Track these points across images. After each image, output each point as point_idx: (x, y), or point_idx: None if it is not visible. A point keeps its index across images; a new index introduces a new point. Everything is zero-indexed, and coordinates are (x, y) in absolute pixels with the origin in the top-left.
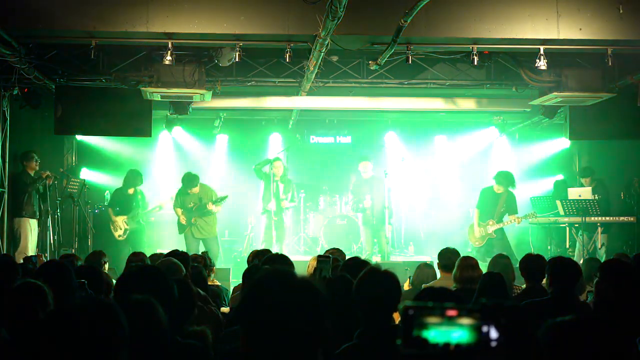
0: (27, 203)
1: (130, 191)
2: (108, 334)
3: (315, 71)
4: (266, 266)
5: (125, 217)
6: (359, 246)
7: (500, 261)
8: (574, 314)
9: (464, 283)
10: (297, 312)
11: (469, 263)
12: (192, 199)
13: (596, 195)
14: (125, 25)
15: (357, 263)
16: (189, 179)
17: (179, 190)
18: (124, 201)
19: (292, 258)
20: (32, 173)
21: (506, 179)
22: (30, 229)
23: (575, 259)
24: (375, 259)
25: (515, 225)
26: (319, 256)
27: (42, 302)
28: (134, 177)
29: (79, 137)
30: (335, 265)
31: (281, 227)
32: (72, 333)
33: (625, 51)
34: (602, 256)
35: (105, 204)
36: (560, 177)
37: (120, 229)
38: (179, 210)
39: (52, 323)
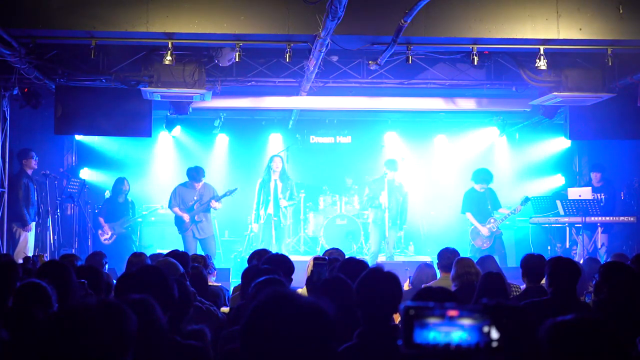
0: (24, 210)
1: (121, 199)
2: (116, 334)
3: (315, 71)
4: (266, 266)
5: (113, 224)
6: (359, 246)
7: (488, 263)
8: (575, 314)
9: (462, 283)
10: (303, 341)
11: (466, 263)
12: (194, 195)
13: (602, 195)
14: (125, 25)
15: (354, 263)
16: (196, 172)
17: (177, 188)
18: (113, 209)
19: (292, 258)
20: (30, 172)
21: (484, 175)
22: (29, 229)
23: (575, 259)
24: (381, 259)
25: (516, 213)
26: (315, 258)
27: (46, 302)
28: (121, 184)
29: (79, 137)
30: (335, 265)
31: (280, 227)
32: (81, 333)
33: (625, 51)
34: (602, 256)
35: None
36: (561, 178)
37: (107, 234)
38: (178, 210)
39: (61, 322)
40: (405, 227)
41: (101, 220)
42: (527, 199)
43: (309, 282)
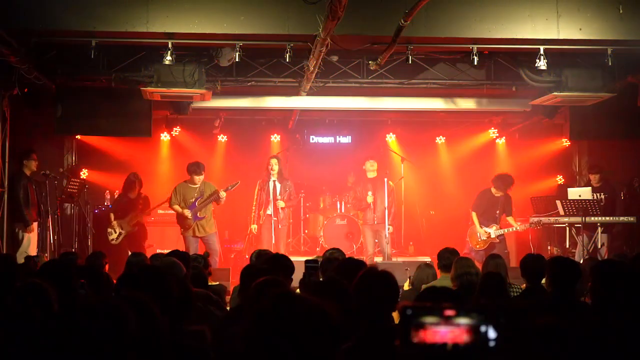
0: (25, 210)
1: (132, 195)
2: (116, 334)
3: (315, 71)
4: (265, 266)
5: (121, 220)
6: (359, 246)
7: (493, 262)
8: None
9: (462, 283)
10: (308, 343)
11: (466, 263)
12: (194, 192)
13: (602, 194)
14: (125, 25)
15: (353, 264)
16: (197, 166)
17: (177, 186)
18: (123, 205)
19: (292, 258)
20: (29, 173)
21: (504, 183)
22: (31, 230)
23: (575, 259)
24: (376, 259)
25: (518, 230)
26: (307, 261)
27: (46, 302)
28: (132, 182)
29: (79, 137)
30: (335, 265)
31: (279, 228)
32: (81, 333)
33: (625, 51)
34: (603, 256)
35: (106, 203)
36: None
37: (115, 233)
38: (179, 207)
39: (61, 323)
40: (404, 226)
41: (111, 216)
42: (536, 223)
43: (301, 284)
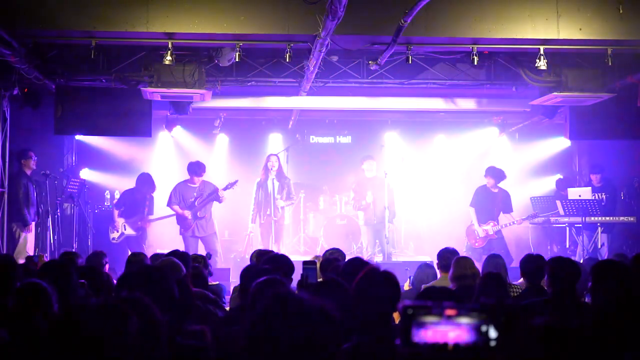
0: (25, 209)
1: (140, 195)
2: (116, 335)
3: (315, 71)
4: (265, 266)
5: (125, 220)
6: (359, 246)
7: (493, 261)
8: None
9: (461, 283)
10: (310, 343)
11: (465, 263)
12: (194, 192)
13: (603, 194)
14: (125, 25)
15: (358, 263)
16: (198, 166)
17: (176, 186)
18: (130, 204)
19: (292, 258)
20: (29, 172)
21: (495, 172)
22: (29, 230)
23: (575, 259)
24: (376, 259)
25: (516, 225)
26: (304, 262)
27: (46, 302)
28: (147, 182)
29: (79, 137)
30: (335, 265)
31: (279, 227)
32: (81, 333)
33: (625, 51)
34: (603, 256)
35: (106, 203)
36: (560, 177)
37: (117, 232)
38: (178, 208)
39: (61, 323)
40: (404, 226)
41: (115, 213)
42: (534, 216)
43: (299, 285)
